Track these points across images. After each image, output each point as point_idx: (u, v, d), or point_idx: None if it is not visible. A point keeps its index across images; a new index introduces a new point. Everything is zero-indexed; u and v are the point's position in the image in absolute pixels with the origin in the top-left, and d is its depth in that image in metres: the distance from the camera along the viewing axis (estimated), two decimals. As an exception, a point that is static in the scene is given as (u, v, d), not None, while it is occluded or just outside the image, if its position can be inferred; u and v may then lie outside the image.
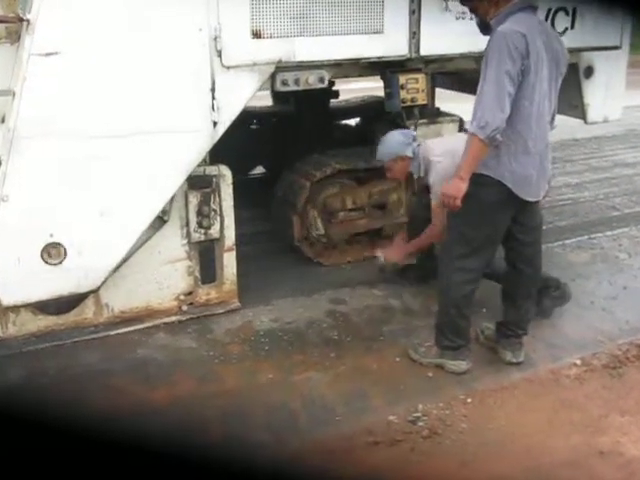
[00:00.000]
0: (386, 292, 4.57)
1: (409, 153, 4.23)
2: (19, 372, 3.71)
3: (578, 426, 3.28)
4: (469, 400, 3.46)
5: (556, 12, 4.94)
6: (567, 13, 4.99)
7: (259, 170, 6.95)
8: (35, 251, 3.64)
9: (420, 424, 3.27)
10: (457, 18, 4.58)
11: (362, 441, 3.17)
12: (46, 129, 3.53)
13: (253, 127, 6.60)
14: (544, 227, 3.86)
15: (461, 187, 3.23)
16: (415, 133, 4.40)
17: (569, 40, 4.73)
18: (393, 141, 4.29)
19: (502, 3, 3.28)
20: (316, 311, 4.36)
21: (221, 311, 4.33)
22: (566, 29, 4.99)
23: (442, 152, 4.05)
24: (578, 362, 3.80)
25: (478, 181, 3.27)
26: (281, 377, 3.67)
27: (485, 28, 3.38)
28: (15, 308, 3.86)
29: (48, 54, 3.45)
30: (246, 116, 6.51)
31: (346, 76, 4.69)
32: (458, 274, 3.51)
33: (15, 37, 3.54)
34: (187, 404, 3.44)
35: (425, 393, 3.52)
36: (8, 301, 3.72)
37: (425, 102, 4.74)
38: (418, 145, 4.24)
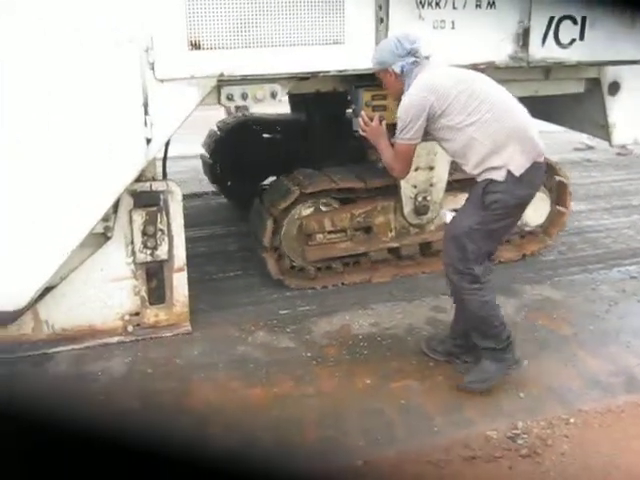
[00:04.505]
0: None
1: (396, 69, 3.50)
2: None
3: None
4: (572, 420, 3.33)
5: (560, 21, 4.41)
6: (575, 22, 4.45)
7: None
8: None
9: (520, 442, 3.17)
10: (434, 27, 4.14)
11: (459, 454, 3.11)
12: None
13: (266, 136, 6.56)
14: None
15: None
16: (417, 45, 3.50)
17: (578, 53, 4.42)
18: (385, 48, 3.56)
19: None
20: (416, 318, 4.31)
21: (169, 334, 4.14)
22: (573, 40, 4.48)
23: (425, 87, 3.39)
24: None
25: None
26: (378, 383, 3.66)
27: None
28: None
29: None
30: (258, 124, 6.59)
31: (305, 91, 4.40)
32: None
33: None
34: (284, 404, 3.48)
35: (525, 410, 3.42)
36: None
37: (394, 122, 3.84)
38: (414, 63, 3.48)
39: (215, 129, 6.68)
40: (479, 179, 3.39)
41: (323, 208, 4.82)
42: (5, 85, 3.42)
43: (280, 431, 3.28)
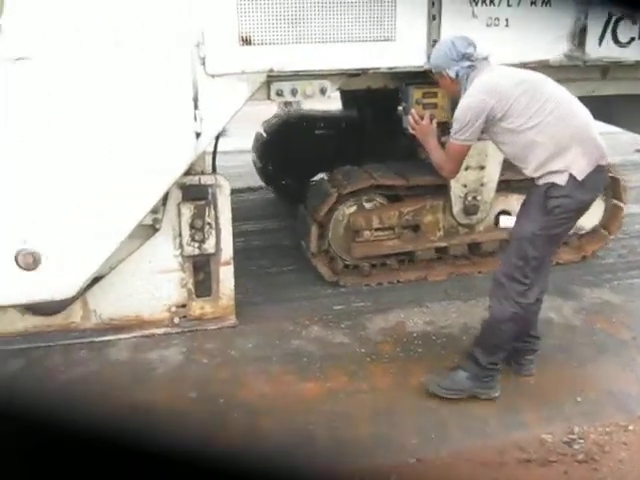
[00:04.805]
0: (546, 305, 4.40)
1: (451, 73, 3.41)
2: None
3: None
4: (631, 427, 3.26)
5: (619, 19, 4.30)
6: (634, 22, 4.33)
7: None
8: (8, 256, 3.60)
9: (576, 447, 3.12)
10: (487, 25, 4.06)
11: (513, 457, 3.07)
12: (20, 134, 3.47)
13: (317, 132, 6.50)
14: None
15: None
16: (472, 49, 3.38)
17: (637, 52, 4.29)
18: (440, 52, 3.47)
19: None
20: (471, 317, 4.26)
21: (215, 327, 4.16)
22: (632, 39, 4.36)
23: (485, 89, 3.29)
24: None
25: None
26: (432, 381, 3.64)
27: None
28: (2, 307, 3.84)
29: (18, 59, 3.38)
30: (311, 120, 6.55)
31: (356, 87, 4.33)
32: None
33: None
34: (337, 399, 3.49)
35: (583, 414, 3.36)
36: None
37: (445, 120, 3.97)
38: (469, 67, 3.38)
39: (261, 131, 6.67)
40: (539, 182, 3.30)
41: (367, 205, 4.80)
42: (60, 81, 3.46)
43: (333, 426, 3.28)
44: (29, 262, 3.63)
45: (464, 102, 3.34)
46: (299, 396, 3.52)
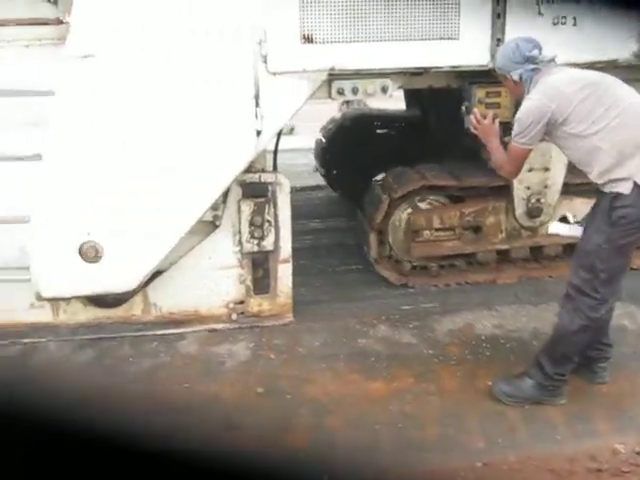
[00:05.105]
0: (620, 312, 4.29)
1: (514, 76, 3.33)
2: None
3: None
4: None
5: None
6: None
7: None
8: (72, 248, 3.67)
9: (650, 458, 3.05)
10: (554, 24, 3.95)
11: (584, 466, 3.01)
12: (83, 130, 3.55)
13: (379, 131, 6.44)
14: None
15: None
16: (536, 52, 3.29)
17: None
18: (504, 54, 3.41)
19: None
20: (542, 322, 4.17)
21: (273, 324, 4.17)
22: None
23: (546, 93, 3.21)
24: None
25: None
26: (501, 385, 3.59)
27: None
28: (66, 298, 3.94)
29: (86, 57, 3.46)
30: (370, 120, 6.47)
31: (418, 86, 4.27)
32: None
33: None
34: (403, 399, 3.47)
35: (659, 425, 3.27)
36: (46, 293, 3.78)
37: (508, 120, 3.80)
38: (533, 69, 3.29)
39: (320, 137, 6.55)
40: (604, 190, 3.20)
41: (421, 205, 4.76)
42: (124, 78, 3.54)
43: (399, 426, 3.26)
44: (92, 254, 3.71)
45: (525, 105, 3.27)
46: (365, 395, 3.51)
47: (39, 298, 3.83)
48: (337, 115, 6.70)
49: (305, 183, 6.46)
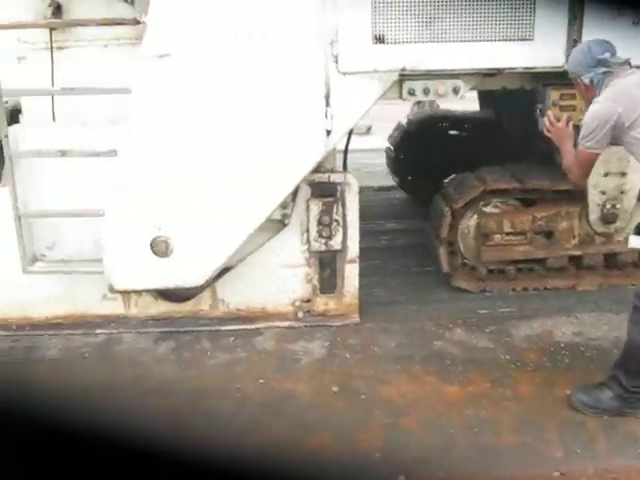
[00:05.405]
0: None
1: (585, 80, 3.25)
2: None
3: None
4: None
5: None
6: None
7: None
8: (144, 242, 3.74)
9: None
10: (634, 23, 3.81)
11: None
12: (158, 127, 3.61)
13: (452, 132, 6.34)
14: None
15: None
16: (608, 55, 3.20)
17: None
18: (576, 57, 3.33)
19: None
20: (623, 331, 3.98)
21: (338, 324, 4.17)
22: None
23: (613, 96, 3.13)
24: None
25: None
26: (580, 394, 3.51)
27: None
28: (138, 291, 4.05)
29: (162, 56, 3.50)
30: (445, 121, 6.38)
31: (491, 87, 4.18)
32: None
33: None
34: (479, 404, 3.42)
35: None
36: (119, 286, 3.87)
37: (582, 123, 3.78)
38: (604, 73, 3.20)
39: (389, 145, 6.54)
40: None
41: (487, 209, 4.68)
42: (198, 77, 3.59)
43: (474, 431, 3.21)
44: (162, 249, 3.78)
45: (592, 109, 3.19)
46: (440, 398, 3.47)
47: (112, 290, 3.93)
48: (402, 121, 6.69)
49: (382, 183, 6.45)
